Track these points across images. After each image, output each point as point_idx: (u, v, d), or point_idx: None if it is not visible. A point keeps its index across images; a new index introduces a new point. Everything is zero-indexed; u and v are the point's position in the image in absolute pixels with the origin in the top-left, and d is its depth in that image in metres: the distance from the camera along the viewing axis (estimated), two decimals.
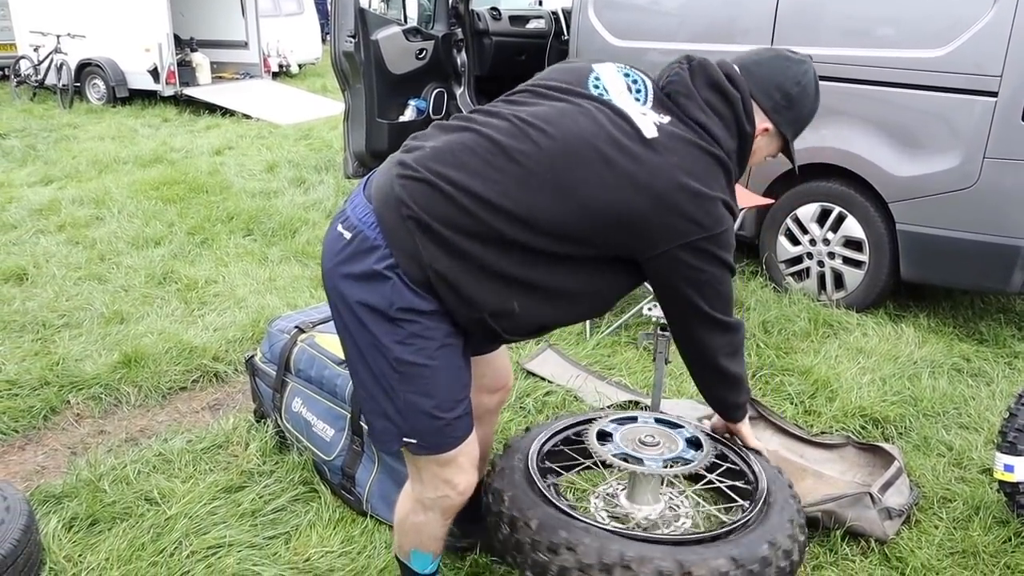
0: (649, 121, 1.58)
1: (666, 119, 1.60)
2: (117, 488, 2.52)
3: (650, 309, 2.42)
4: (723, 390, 1.94)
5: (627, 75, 1.68)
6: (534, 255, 1.59)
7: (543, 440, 2.06)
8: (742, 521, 1.77)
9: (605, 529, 1.70)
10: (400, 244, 1.56)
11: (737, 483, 2.05)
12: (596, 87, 1.63)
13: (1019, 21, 3.43)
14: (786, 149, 1.84)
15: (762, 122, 1.73)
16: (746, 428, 2.05)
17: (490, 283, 1.60)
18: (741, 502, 1.97)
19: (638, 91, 1.65)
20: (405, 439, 1.68)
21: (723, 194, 1.60)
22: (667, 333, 2.37)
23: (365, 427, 2.37)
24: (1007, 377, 3.45)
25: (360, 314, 1.60)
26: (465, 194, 1.54)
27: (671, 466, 1.86)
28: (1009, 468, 2.39)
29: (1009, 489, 2.41)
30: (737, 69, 1.71)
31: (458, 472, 1.74)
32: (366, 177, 1.74)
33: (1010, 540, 2.38)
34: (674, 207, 1.55)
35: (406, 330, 1.59)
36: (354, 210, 1.64)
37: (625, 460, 1.86)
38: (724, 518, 2.01)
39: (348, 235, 1.62)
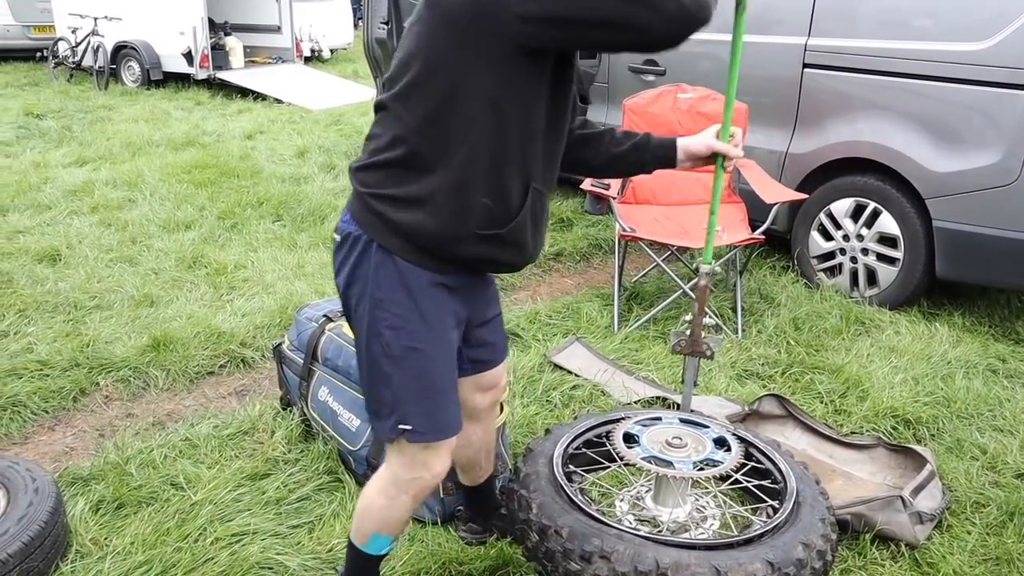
0: None
1: None
2: (144, 472, 2.55)
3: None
4: None
5: None
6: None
7: (566, 443, 2.04)
8: (775, 523, 1.75)
9: (638, 535, 1.68)
10: (367, 219, 1.64)
11: (764, 482, 2.02)
12: None
13: None
14: None
15: None
16: None
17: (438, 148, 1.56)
18: (770, 502, 1.94)
19: None
20: (402, 426, 1.70)
21: None
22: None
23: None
24: None
25: (358, 307, 1.69)
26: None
27: (702, 468, 1.84)
28: None
29: None
30: None
31: (436, 456, 1.76)
32: None
33: None
34: None
35: (390, 312, 1.64)
36: (341, 216, 1.74)
37: (655, 463, 1.84)
38: (753, 518, 1.99)
39: (338, 238, 1.72)
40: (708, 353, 2.09)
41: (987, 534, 2.40)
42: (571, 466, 2.02)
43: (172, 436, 2.78)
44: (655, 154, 1.93)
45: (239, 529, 2.29)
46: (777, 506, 1.87)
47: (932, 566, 2.26)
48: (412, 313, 1.65)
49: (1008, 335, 3.81)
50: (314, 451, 2.65)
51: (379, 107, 1.63)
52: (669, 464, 1.85)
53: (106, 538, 2.25)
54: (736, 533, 1.80)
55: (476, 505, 2.31)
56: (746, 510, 2.07)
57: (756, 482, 2.03)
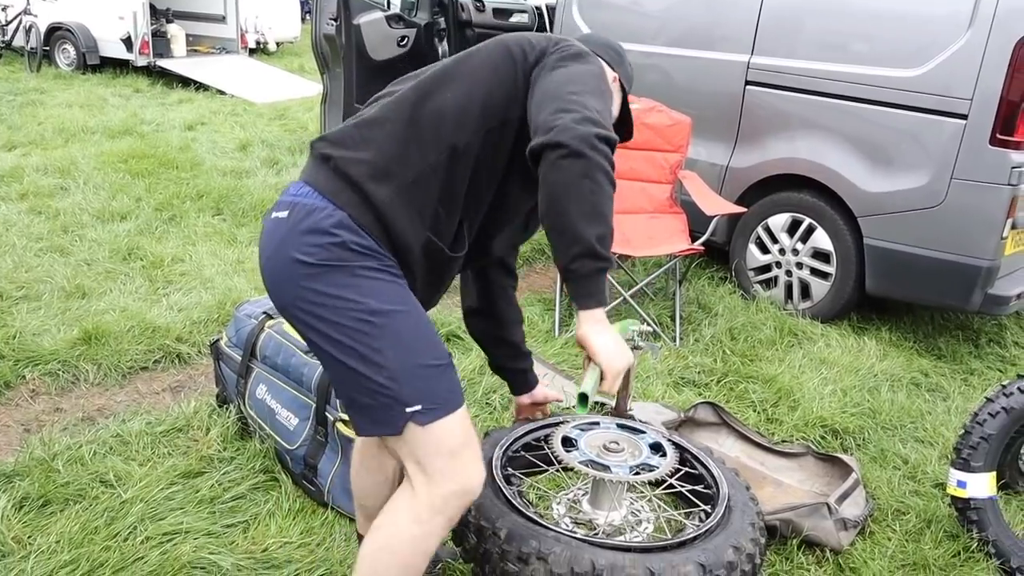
0: None
1: None
2: (71, 469, 2.48)
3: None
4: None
5: None
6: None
7: (505, 446, 2.06)
8: (707, 527, 1.79)
9: (575, 538, 1.70)
10: (339, 194, 1.55)
11: (697, 487, 2.07)
12: None
13: (991, 46, 3.49)
14: (625, 104, 1.90)
15: (611, 71, 1.83)
16: (600, 340, 1.54)
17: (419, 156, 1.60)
18: (703, 506, 1.99)
19: None
20: (409, 408, 1.49)
21: None
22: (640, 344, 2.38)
23: (343, 424, 2.34)
24: (962, 393, 3.52)
25: (319, 284, 1.50)
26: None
27: (638, 472, 1.87)
28: (962, 484, 2.44)
29: (961, 504, 2.47)
30: None
31: (473, 460, 1.56)
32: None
33: (959, 554, 2.43)
34: None
35: (370, 277, 1.51)
36: (284, 195, 1.64)
37: (592, 467, 1.87)
38: (686, 522, 2.03)
39: (284, 213, 1.58)
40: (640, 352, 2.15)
41: (906, 540, 2.50)
42: (510, 468, 2.04)
43: (102, 432, 2.71)
44: (516, 376, 2.21)
45: (171, 528, 2.25)
46: (709, 511, 1.92)
47: (854, 571, 2.35)
48: (386, 272, 1.55)
49: (931, 350, 3.97)
50: (250, 449, 2.61)
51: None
52: (606, 468, 1.88)
53: (29, 536, 2.19)
54: (669, 536, 1.84)
55: None
56: (679, 514, 2.12)
57: (689, 487, 2.08)
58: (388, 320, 1.50)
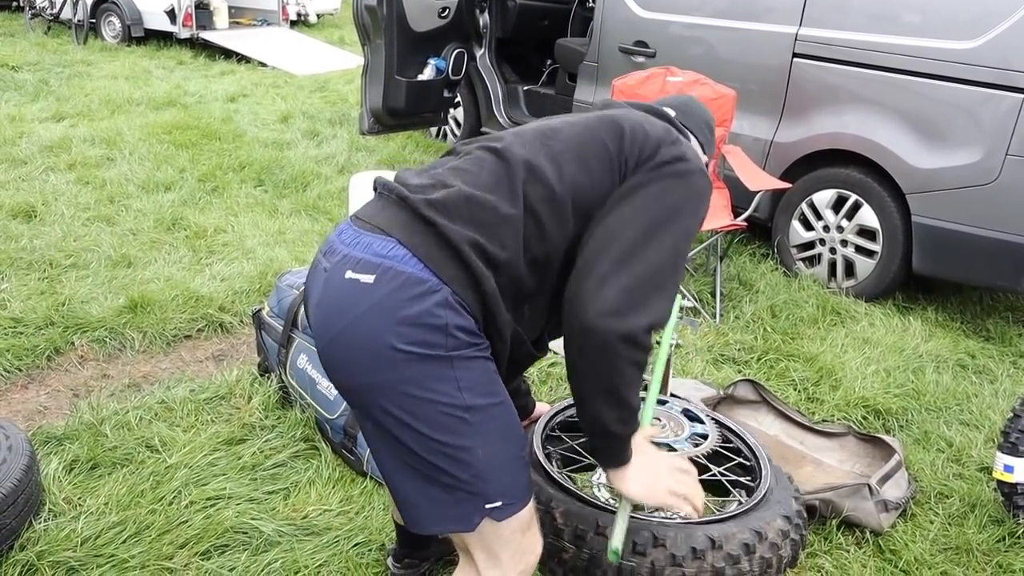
0: None
1: None
2: (118, 433, 2.54)
3: None
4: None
5: None
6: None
7: (544, 425, 2.04)
8: (755, 500, 1.79)
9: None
10: (445, 266, 1.35)
11: (736, 459, 2.05)
12: None
13: None
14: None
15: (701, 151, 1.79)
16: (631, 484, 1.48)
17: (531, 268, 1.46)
18: (746, 482, 1.97)
19: None
20: (489, 505, 1.40)
21: None
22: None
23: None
24: (1011, 376, 3.44)
25: (413, 372, 1.33)
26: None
27: (697, 444, 1.87)
28: (1009, 468, 2.39)
29: (1007, 489, 2.42)
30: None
31: (536, 533, 1.52)
32: (348, 218, 1.52)
33: (1004, 540, 2.39)
34: None
35: (467, 368, 1.36)
36: (363, 250, 1.39)
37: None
38: (734, 493, 2.01)
39: (370, 279, 1.34)
40: None
41: (949, 524, 2.46)
42: (549, 448, 2.03)
43: (148, 398, 2.77)
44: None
45: (214, 493, 2.30)
46: (752, 484, 1.91)
47: (895, 553, 2.32)
48: (484, 360, 1.41)
49: (979, 332, 3.88)
50: (291, 418, 2.65)
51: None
52: (668, 447, 1.87)
53: (79, 498, 2.25)
54: (717, 511, 1.83)
55: (413, 539, 2.00)
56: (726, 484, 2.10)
57: (731, 461, 2.06)
58: (482, 416, 1.38)
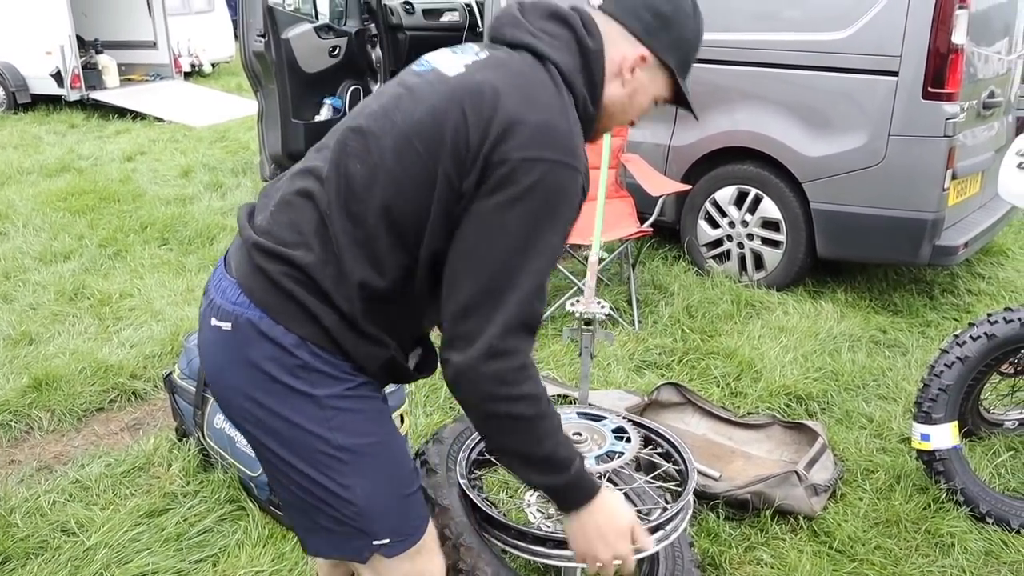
0: (459, 62, 1.36)
1: (483, 55, 1.37)
2: (30, 521, 2.41)
3: (573, 305, 2.42)
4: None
5: (456, 49, 1.43)
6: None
7: (469, 448, 2.02)
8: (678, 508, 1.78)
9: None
10: (288, 313, 1.32)
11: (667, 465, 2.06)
12: (419, 66, 1.42)
13: (914, 2, 3.54)
14: (678, 90, 1.48)
15: (635, 49, 1.41)
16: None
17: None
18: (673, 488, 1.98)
19: (461, 51, 1.41)
20: (377, 542, 1.38)
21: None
22: (591, 328, 2.37)
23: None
24: (921, 346, 3.57)
25: (279, 410, 1.33)
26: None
27: (607, 461, 1.87)
28: (925, 437, 2.47)
29: (926, 457, 2.50)
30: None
31: (432, 557, 1.47)
32: (225, 252, 1.48)
33: (929, 507, 2.47)
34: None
35: (337, 409, 1.34)
36: (223, 295, 1.37)
37: None
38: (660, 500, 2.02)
39: (227, 326, 1.35)
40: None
41: (877, 499, 2.53)
42: (475, 472, 2.01)
43: (60, 480, 2.64)
44: None
45: (138, 571, 2.20)
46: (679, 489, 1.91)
47: (829, 534, 2.37)
48: (355, 399, 1.37)
49: (887, 307, 4.02)
50: (214, 481, 2.56)
51: None
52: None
53: None
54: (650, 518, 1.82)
55: None
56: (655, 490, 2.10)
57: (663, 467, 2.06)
58: (357, 457, 1.35)
